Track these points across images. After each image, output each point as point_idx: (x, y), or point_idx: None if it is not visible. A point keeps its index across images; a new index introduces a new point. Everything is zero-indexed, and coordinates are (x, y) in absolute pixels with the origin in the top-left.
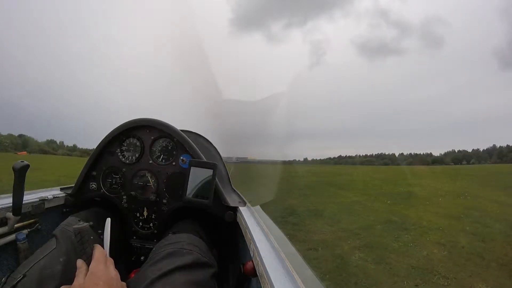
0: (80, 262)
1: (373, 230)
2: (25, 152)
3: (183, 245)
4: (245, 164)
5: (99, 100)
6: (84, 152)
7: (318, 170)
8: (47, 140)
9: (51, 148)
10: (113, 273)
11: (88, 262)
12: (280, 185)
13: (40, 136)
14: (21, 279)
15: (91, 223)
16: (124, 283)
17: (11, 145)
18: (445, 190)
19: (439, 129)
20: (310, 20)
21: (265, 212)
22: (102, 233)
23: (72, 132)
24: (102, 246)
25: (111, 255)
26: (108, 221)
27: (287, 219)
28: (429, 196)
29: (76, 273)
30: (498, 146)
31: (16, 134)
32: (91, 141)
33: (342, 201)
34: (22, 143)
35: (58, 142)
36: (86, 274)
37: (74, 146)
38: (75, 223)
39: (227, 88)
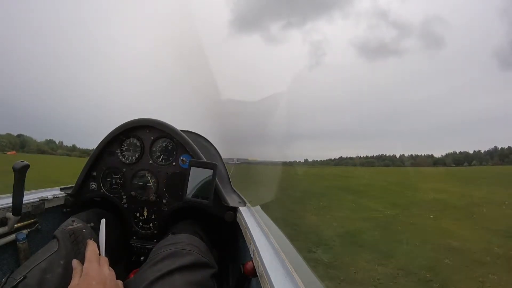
0: (75, 263)
1: (442, 268)
2: (14, 152)
3: (183, 245)
4: (245, 166)
5: (99, 100)
6: (83, 152)
7: (324, 172)
8: (46, 140)
9: (50, 148)
10: (107, 272)
11: (83, 262)
12: (290, 193)
13: (41, 136)
14: (21, 280)
15: (92, 224)
16: (119, 282)
17: (8, 145)
18: (477, 196)
19: (440, 130)
20: (310, 21)
21: (286, 237)
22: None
23: (73, 132)
24: (98, 246)
25: (111, 255)
26: (103, 222)
27: (316, 253)
28: (467, 205)
29: (72, 274)
30: (499, 147)
31: (15, 134)
32: (91, 142)
33: (374, 216)
34: (21, 142)
35: (57, 142)
36: (81, 275)
37: (74, 146)
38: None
39: (226, 89)
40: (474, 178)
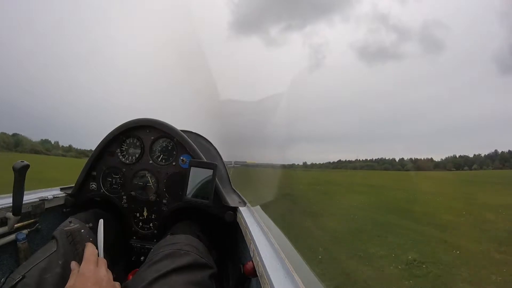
0: (73, 264)
1: None
2: None
3: (181, 246)
4: (244, 169)
5: (99, 101)
6: (80, 153)
7: (338, 179)
8: (42, 140)
9: (45, 148)
10: (103, 273)
11: (81, 263)
12: (323, 223)
13: (40, 136)
14: (20, 280)
15: (90, 224)
16: (117, 283)
17: (2, 143)
18: None
19: (439, 134)
20: (309, 24)
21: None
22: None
23: (71, 133)
24: (96, 246)
25: (111, 255)
26: (101, 222)
27: None
28: None
29: (70, 275)
30: (500, 151)
31: (11, 133)
32: (91, 142)
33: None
34: (15, 142)
35: (53, 142)
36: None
37: (70, 146)
38: (79, 223)
39: (226, 90)
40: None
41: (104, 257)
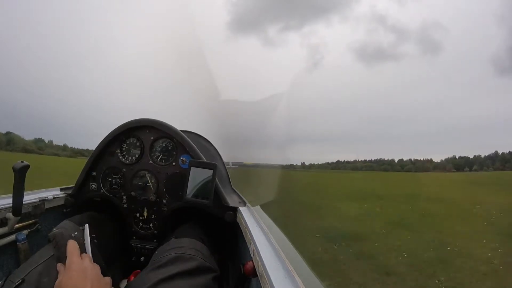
0: (59, 266)
1: None
2: None
3: (186, 250)
4: (244, 171)
5: (98, 100)
6: (77, 152)
7: (354, 185)
8: (35, 139)
9: (37, 147)
10: (88, 264)
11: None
12: None
13: (35, 136)
14: (19, 283)
15: (84, 227)
16: (107, 278)
17: None
18: None
19: (439, 135)
20: (307, 24)
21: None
22: (95, 238)
23: (72, 133)
24: (84, 250)
25: (111, 255)
26: (87, 226)
27: None
28: None
29: (58, 274)
30: (500, 152)
31: (4, 132)
32: (90, 142)
33: None
34: (7, 140)
35: (46, 141)
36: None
37: (65, 146)
38: (69, 227)
39: (224, 91)
40: None
41: (104, 258)
